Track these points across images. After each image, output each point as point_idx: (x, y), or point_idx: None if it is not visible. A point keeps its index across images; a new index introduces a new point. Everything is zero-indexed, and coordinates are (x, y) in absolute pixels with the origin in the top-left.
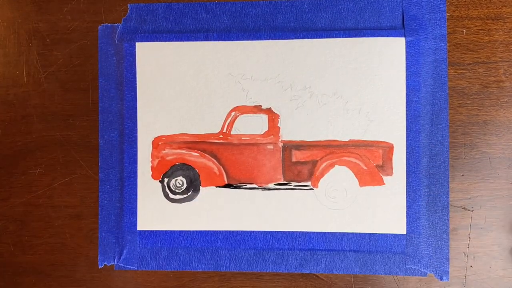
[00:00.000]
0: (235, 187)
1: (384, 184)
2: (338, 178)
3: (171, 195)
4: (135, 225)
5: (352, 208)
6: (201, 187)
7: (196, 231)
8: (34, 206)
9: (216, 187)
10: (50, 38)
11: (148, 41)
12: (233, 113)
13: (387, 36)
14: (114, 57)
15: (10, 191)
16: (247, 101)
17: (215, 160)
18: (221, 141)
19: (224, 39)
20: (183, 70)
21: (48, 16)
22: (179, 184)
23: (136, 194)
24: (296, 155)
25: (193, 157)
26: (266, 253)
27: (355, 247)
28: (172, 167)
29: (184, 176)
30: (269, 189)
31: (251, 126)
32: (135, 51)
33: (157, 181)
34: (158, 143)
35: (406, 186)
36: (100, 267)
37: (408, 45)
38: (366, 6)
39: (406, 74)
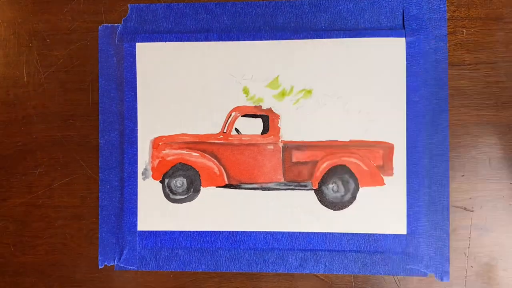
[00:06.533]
0: (236, 187)
1: (384, 184)
2: (339, 178)
3: (171, 195)
4: (135, 225)
5: (352, 208)
6: (201, 187)
7: (196, 231)
8: (34, 206)
9: (217, 187)
10: (50, 38)
11: (148, 41)
12: (233, 114)
13: (387, 36)
14: (114, 57)
15: (10, 191)
16: (248, 101)
17: (215, 160)
18: (222, 141)
19: (225, 40)
20: (184, 71)
21: (48, 16)
22: (180, 184)
23: (136, 195)
24: (297, 156)
25: (194, 157)
26: (266, 253)
27: (355, 248)
28: (172, 167)
29: (184, 176)
30: (270, 189)
31: (251, 126)
32: (135, 51)
33: (158, 181)
34: (158, 143)
35: (407, 186)
36: (100, 267)
37: (408, 45)
38: (366, 6)
39: (406, 74)
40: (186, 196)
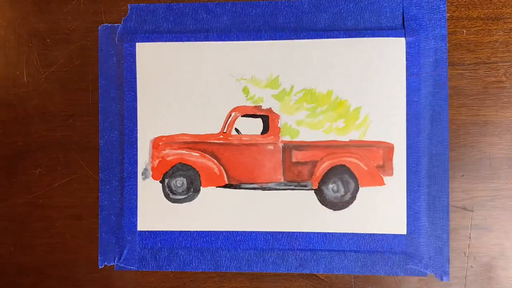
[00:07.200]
0: (236, 187)
1: (384, 184)
2: (339, 178)
3: (171, 195)
4: (135, 225)
5: (352, 208)
6: (201, 187)
7: (196, 231)
8: (34, 206)
9: (217, 187)
10: (50, 38)
11: (148, 42)
12: (233, 114)
13: (387, 36)
14: (114, 57)
15: (10, 191)
16: (248, 101)
17: (215, 160)
18: (221, 141)
19: (225, 40)
20: (183, 71)
21: (48, 16)
22: (180, 184)
23: (136, 194)
24: (296, 156)
25: (194, 157)
26: (266, 253)
27: (355, 247)
28: (172, 167)
29: (184, 176)
30: (269, 189)
31: (251, 126)
32: (135, 52)
33: (158, 181)
34: (158, 143)
35: (406, 186)
36: (100, 267)
37: (408, 45)
38: (366, 6)
39: (406, 74)
40: (186, 196)
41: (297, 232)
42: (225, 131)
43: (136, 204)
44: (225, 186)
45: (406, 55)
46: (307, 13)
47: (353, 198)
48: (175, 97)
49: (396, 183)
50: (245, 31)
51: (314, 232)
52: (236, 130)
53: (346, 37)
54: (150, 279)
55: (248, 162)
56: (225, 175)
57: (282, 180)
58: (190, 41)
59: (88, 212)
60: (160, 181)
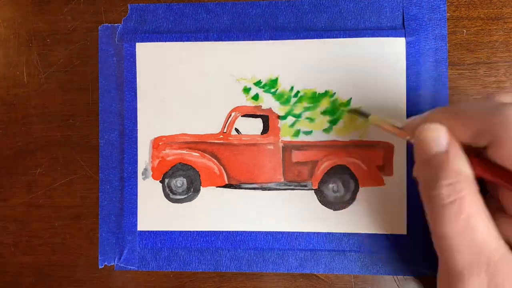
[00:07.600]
0: (236, 187)
1: (384, 184)
2: (338, 178)
3: (171, 195)
4: (136, 225)
5: (352, 208)
6: (201, 187)
7: (197, 231)
8: (34, 206)
9: (217, 187)
10: (50, 38)
11: (148, 42)
12: (233, 114)
13: (387, 36)
14: (114, 57)
15: (10, 191)
16: (248, 101)
17: (215, 160)
18: (222, 141)
19: (225, 40)
20: (183, 71)
21: (48, 16)
22: (180, 184)
23: (136, 195)
24: (297, 155)
25: (194, 157)
26: (266, 253)
27: (355, 248)
28: (172, 167)
29: (184, 176)
30: (270, 189)
31: (251, 126)
32: (135, 52)
33: (158, 181)
34: (159, 143)
35: (406, 186)
36: (100, 267)
37: (408, 45)
38: (366, 6)
39: (406, 74)
40: (186, 196)
41: (297, 232)
42: (225, 131)
43: (136, 204)
44: (225, 186)
45: (406, 55)
46: (307, 13)
47: (353, 198)
48: (175, 97)
49: (396, 183)
50: (245, 31)
51: (314, 232)
52: (236, 130)
53: (346, 37)
54: (150, 279)
55: (248, 162)
56: (225, 175)
57: (282, 180)
58: (190, 41)
59: (88, 212)
60: (160, 181)
